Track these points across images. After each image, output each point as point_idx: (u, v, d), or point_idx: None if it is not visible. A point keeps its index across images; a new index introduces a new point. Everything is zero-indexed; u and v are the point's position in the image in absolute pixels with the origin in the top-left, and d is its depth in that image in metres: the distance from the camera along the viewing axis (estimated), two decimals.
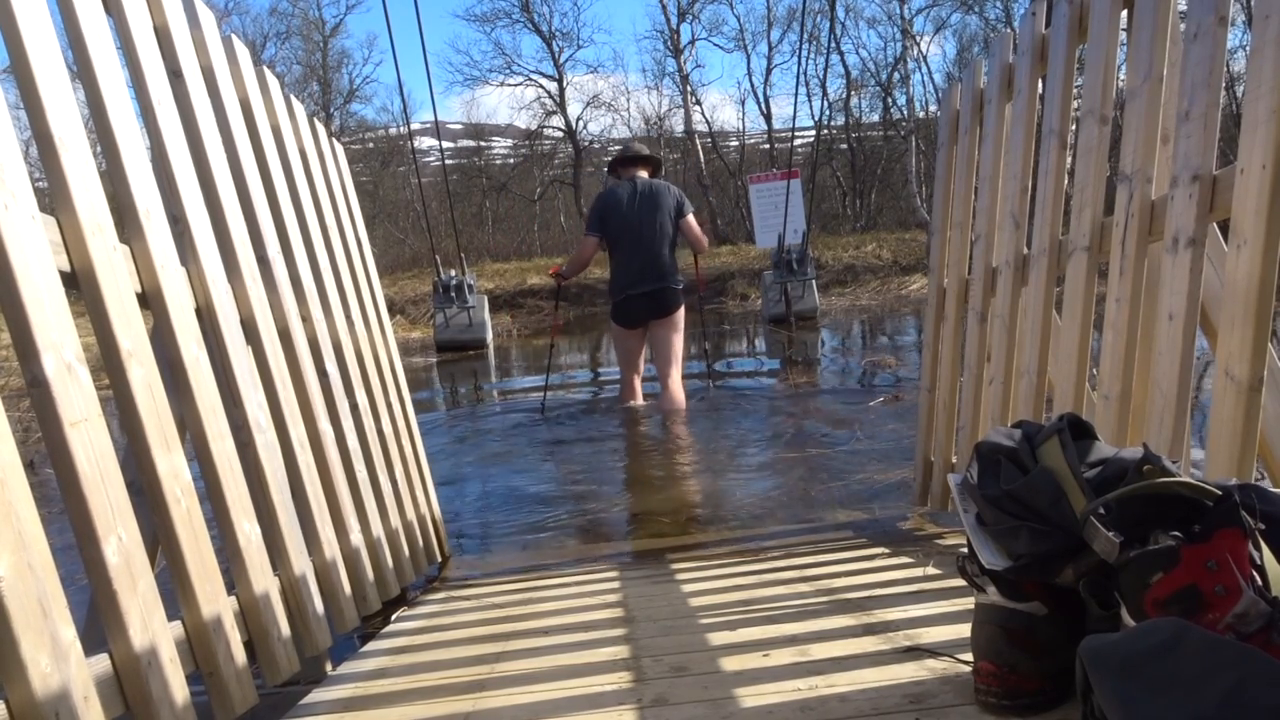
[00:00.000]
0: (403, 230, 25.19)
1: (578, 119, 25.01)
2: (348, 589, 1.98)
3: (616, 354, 5.25)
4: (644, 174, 5.01)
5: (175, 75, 1.70)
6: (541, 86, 25.10)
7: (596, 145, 28.01)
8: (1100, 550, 0.95)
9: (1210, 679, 0.76)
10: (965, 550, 1.16)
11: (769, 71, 27.96)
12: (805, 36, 19.76)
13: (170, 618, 1.32)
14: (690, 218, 4.94)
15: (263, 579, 1.60)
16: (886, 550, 2.39)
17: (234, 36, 2.05)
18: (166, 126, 1.61)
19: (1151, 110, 1.71)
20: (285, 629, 1.64)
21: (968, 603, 1.25)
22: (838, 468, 3.72)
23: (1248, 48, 1.53)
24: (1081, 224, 1.92)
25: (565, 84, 24.77)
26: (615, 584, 2.26)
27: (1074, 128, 2.08)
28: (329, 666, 1.78)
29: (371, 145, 28.88)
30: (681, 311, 4.95)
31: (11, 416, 1.30)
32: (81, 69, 1.41)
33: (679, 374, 4.89)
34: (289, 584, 1.71)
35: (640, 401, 5.10)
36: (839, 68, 22.98)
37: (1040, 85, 2.28)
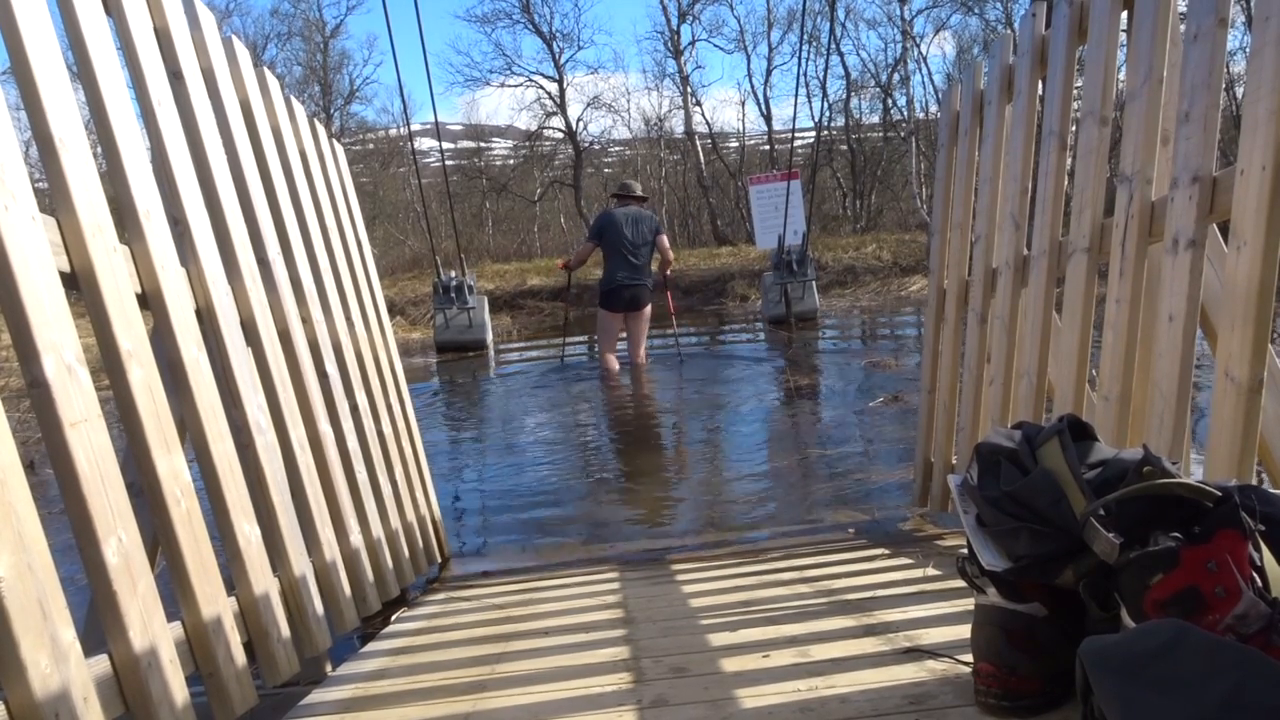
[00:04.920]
0: (403, 231, 25.16)
1: (578, 120, 24.91)
2: (348, 590, 1.98)
3: (600, 334, 6.90)
4: (635, 206, 6.87)
5: (176, 76, 1.70)
6: (542, 87, 25.03)
7: (597, 146, 27.95)
8: (1100, 551, 0.95)
9: (1210, 680, 0.76)
10: (965, 551, 1.16)
11: (769, 73, 27.88)
12: (805, 38, 19.75)
13: (170, 618, 1.32)
14: (663, 238, 6.84)
15: (262, 580, 1.60)
16: (887, 551, 2.39)
17: (234, 38, 2.05)
18: (167, 128, 1.61)
19: (1151, 111, 1.71)
20: (285, 630, 1.64)
21: (968, 604, 1.25)
22: (838, 468, 3.72)
23: (1247, 49, 1.53)
24: (1081, 225, 1.92)
25: (566, 85, 24.71)
26: (615, 585, 2.26)
27: (1074, 129, 2.08)
28: (329, 667, 1.78)
29: (372, 146, 28.80)
30: (650, 308, 6.80)
31: (11, 417, 1.30)
32: (82, 70, 1.41)
33: (644, 348, 6.94)
34: (289, 585, 1.71)
35: (615, 369, 6.67)
36: (839, 69, 22.95)
37: (1040, 86, 2.28)
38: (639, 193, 7.11)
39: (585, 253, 7.02)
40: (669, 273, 7.34)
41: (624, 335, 6.86)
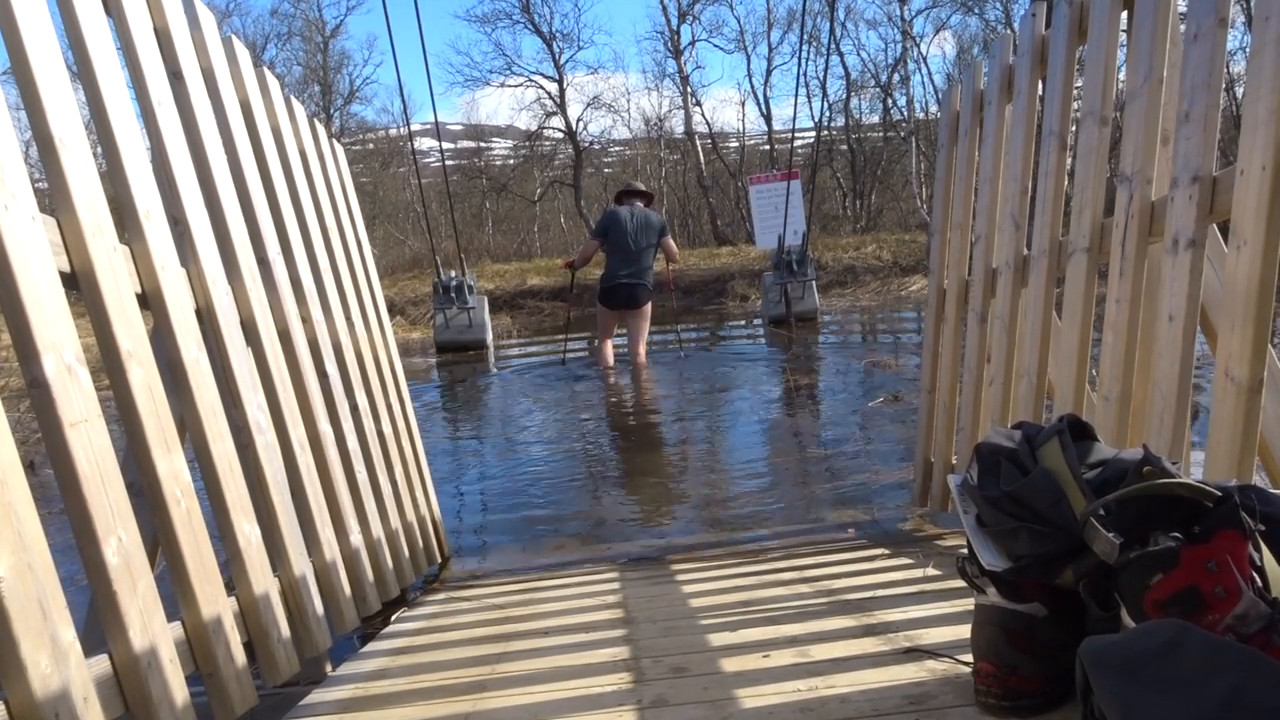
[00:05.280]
0: (403, 231, 25.14)
1: (578, 120, 24.91)
2: (347, 590, 1.98)
3: (598, 324, 7.15)
4: (640, 203, 6.98)
5: (175, 77, 1.70)
6: (542, 87, 25.03)
7: (597, 146, 27.94)
8: (1100, 551, 0.95)
9: (1210, 680, 0.76)
10: (965, 551, 1.16)
11: (769, 73, 27.90)
12: (805, 38, 19.74)
13: (170, 618, 1.32)
14: (669, 239, 7.00)
15: (262, 580, 1.60)
16: (887, 551, 2.39)
17: (234, 38, 2.05)
18: (167, 128, 1.61)
19: (1151, 111, 1.71)
20: (285, 630, 1.64)
21: (968, 604, 1.25)
22: (838, 468, 3.72)
23: (1247, 49, 1.53)
24: (1081, 225, 1.92)
25: (565, 85, 24.71)
26: (615, 584, 2.26)
27: (1074, 129, 2.08)
28: (329, 667, 1.78)
29: (372, 146, 28.79)
30: (649, 305, 6.91)
31: (11, 417, 1.30)
32: (81, 70, 1.41)
33: (643, 346, 7.00)
34: (289, 585, 1.71)
35: (610, 362, 6.98)
36: (839, 69, 22.93)
37: (1040, 86, 2.28)
38: (642, 188, 7.31)
39: (590, 250, 7.16)
40: (670, 277, 7.81)
41: (623, 332, 7.02)
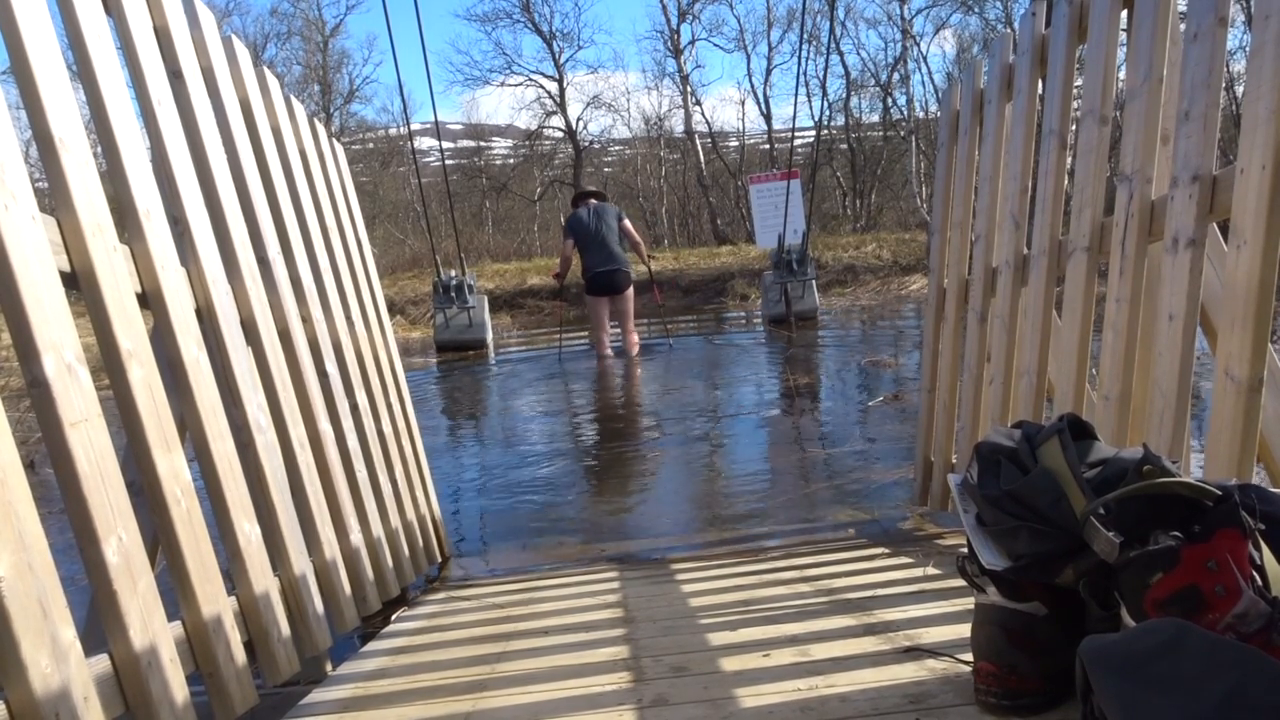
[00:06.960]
0: (403, 230, 25.14)
1: (578, 119, 24.97)
2: (348, 589, 1.98)
3: (590, 315, 7.75)
4: (594, 201, 7.71)
5: (175, 76, 1.70)
6: (542, 87, 25.08)
7: (597, 146, 27.96)
8: (1100, 550, 0.95)
9: (1210, 679, 0.76)
10: (965, 550, 1.16)
11: (769, 72, 27.93)
12: (805, 37, 19.74)
13: (170, 618, 1.32)
14: (626, 222, 7.62)
15: (263, 579, 1.60)
16: (887, 550, 2.39)
17: (234, 37, 2.05)
18: (167, 127, 1.61)
19: (1151, 110, 1.71)
20: (285, 629, 1.64)
21: (968, 603, 1.25)
22: (837, 467, 3.72)
23: (1247, 48, 1.53)
24: (1081, 224, 1.92)
25: (565, 84, 24.75)
26: (615, 584, 2.26)
27: (1074, 128, 2.08)
28: (329, 667, 1.78)
29: (371, 146, 28.80)
30: (631, 289, 7.57)
31: (11, 417, 1.30)
32: (81, 69, 1.41)
33: (634, 333, 7.63)
34: (289, 584, 1.71)
35: (608, 352, 7.49)
36: (839, 68, 22.91)
37: (1040, 85, 2.28)
38: (593, 189, 8.20)
39: (568, 252, 7.75)
40: (647, 256, 8.30)
41: (616, 325, 7.60)
